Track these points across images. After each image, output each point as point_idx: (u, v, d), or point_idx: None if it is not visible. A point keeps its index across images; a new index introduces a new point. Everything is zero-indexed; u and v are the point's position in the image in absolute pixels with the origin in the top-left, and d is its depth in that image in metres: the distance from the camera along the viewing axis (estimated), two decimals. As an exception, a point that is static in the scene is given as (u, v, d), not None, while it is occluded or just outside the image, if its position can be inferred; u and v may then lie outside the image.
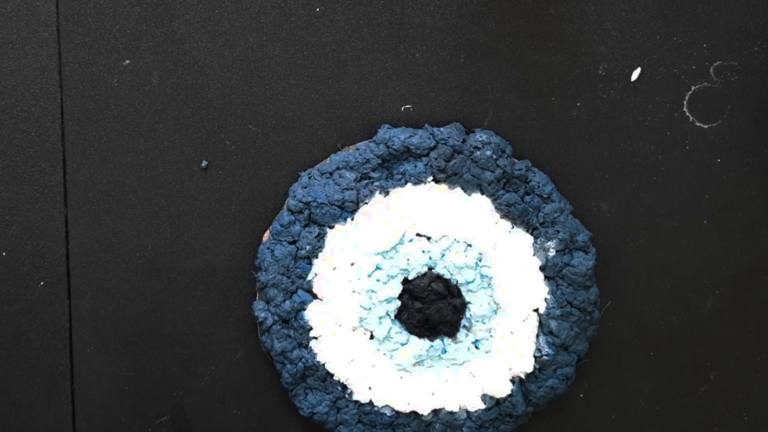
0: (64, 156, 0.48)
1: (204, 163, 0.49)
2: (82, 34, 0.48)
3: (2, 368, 0.50)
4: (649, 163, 0.49)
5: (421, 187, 0.47)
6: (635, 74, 0.48)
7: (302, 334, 0.48)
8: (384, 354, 0.48)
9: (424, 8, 0.48)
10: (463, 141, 0.47)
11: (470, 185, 0.47)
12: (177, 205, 0.49)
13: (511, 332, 0.47)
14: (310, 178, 0.47)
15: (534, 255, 0.47)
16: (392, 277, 0.47)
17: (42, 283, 0.49)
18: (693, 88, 0.48)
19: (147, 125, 0.48)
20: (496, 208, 0.47)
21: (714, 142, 0.49)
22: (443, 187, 0.47)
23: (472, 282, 0.47)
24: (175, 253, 0.49)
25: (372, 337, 0.48)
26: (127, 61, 0.48)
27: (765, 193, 0.49)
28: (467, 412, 0.48)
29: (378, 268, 0.47)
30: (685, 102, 0.48)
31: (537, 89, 0.48)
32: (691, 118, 0.48)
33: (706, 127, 0.49)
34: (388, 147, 0.47)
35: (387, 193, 0.47)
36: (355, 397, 0.48)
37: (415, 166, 0.47)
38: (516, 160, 0.47)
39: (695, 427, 0.51)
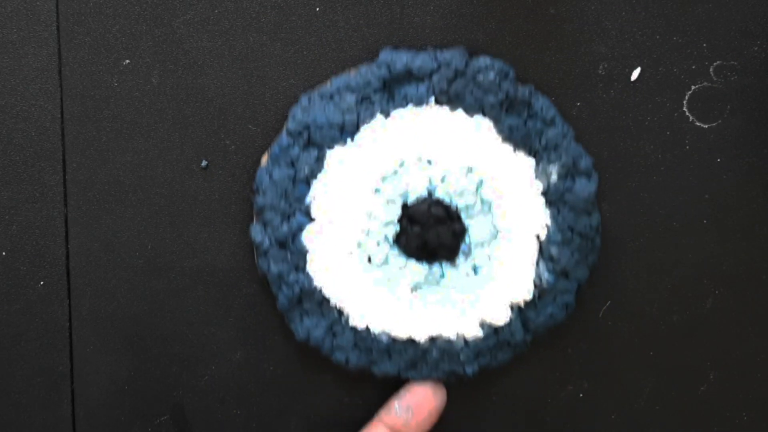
0: (64, 156, 0.48)
1: (204, 163, 0.49)
2: (82, 34, 0.48)
3: (2, 368, 0.50)
4: (649, 163, 0.49)
5: (423, 109, 0.46)
6: (635, 74, 0.48)
7: (299, 257, 0.47)
8: (381, 279, 0.47)
9: (424, 8, 0.48)
10: (466, 64, 0.46)
11: (472, 108, 0.46)
12: (177, 205, 0.49)
13: (511, 258, 0.47)
14: (309, 100, 0.47)
15: (536, 179, 0.47)
16: (391, 201, 0.47)
17: (42, 283, 0.49)
18: (693, 87, 0.48)
19: (147, 125, 0.48)
20: (498, 131, 0.46)
21: (714, 142, 0.49)
22: (445, 110, 0.46)
23: (472, 207, 0.47)
24: (175, 253, 0.49)
25: (370, 261, 0.47)
26: (127, 61, 0.48)
27: (765, 193, 0.49)
28: (464, 339, 0.48)
29: (377, 191, 0.47)
30: (685, 102, 0.48)
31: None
32: (691, 118, 0.48)
33: (706, 127, 0.49)
34: (389, 69, 0.46)
35: (388, 115, 0.46)
36: (351, 323, 0.47)
37: (417, 89, 0.46)
38: (519, 85, 0.47)
39: (695, 427, 0.51)
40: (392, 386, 0.50)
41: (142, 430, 0.50)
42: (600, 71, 0.48)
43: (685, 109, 0.48)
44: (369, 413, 0.50)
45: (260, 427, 0.51)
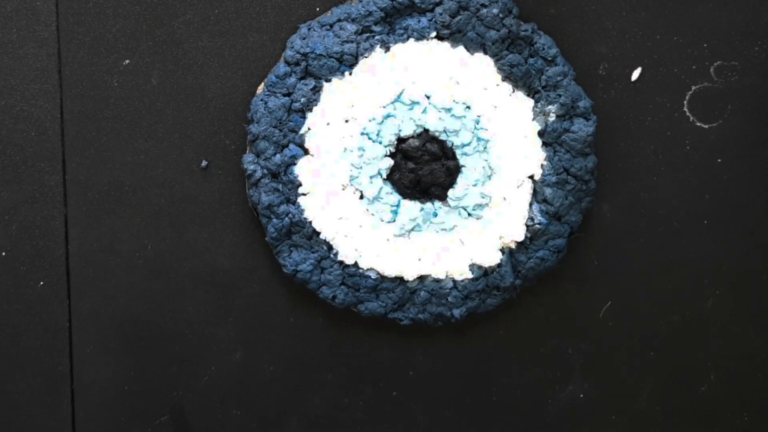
0: (64, 156, 0.48)
1: (204, 163, 0.49)
2: (82, 34, 0.48)
3: (2, 368, 0.50)
4: (649, 163, 0.49)
5: (423, 44, 0.46)
6: (635, 74, 0.48)
7: (291, 189, 0.47)
8: (373, 215, 0.47)
9: None
10: None
11: (474, 44, 0.46)
12: (177, 205, 0.49)
13: (504, 198, 0.46)
14: (309, 29, 0.46)
15: (533, 119, 0.46)
16: (386, 136, 0.46)
17: (42, 283, 0.49)
18: (693, 88, 0.48)
19: (147, 125, 0.48)
20: (498, 69, 0.46)
21: (714, 142, 0.49)
22: (446, 45, 0.46)
23: (467, 145, 0.46)
24: (175, 253, 0.49)
25: (362, 197, 0.47)
26: (127, 61, 0.48)
27: (765, 193, 0.49)
28: (453, 281, 0.48)
29: (373, 125, 0.46)
30: (685, 102, 0.48)
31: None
32: (691, 118, 0.48)
33: (707, 127, 0.49)
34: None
35: (388, 49, 0.46)
36: (340, 258, 0.47)
37: (419, 21, 0.46)
38: (522, 22, 0.46)
39: (695, 427, 0.51)
40: (392, 383, 0.50)
41: (142, 430, 0.50)
42: (600, 71, 0.48)
43: (685, 109, 0.48)
44: (369, 413, 0.50)
45: (260, 427, 0.51)
